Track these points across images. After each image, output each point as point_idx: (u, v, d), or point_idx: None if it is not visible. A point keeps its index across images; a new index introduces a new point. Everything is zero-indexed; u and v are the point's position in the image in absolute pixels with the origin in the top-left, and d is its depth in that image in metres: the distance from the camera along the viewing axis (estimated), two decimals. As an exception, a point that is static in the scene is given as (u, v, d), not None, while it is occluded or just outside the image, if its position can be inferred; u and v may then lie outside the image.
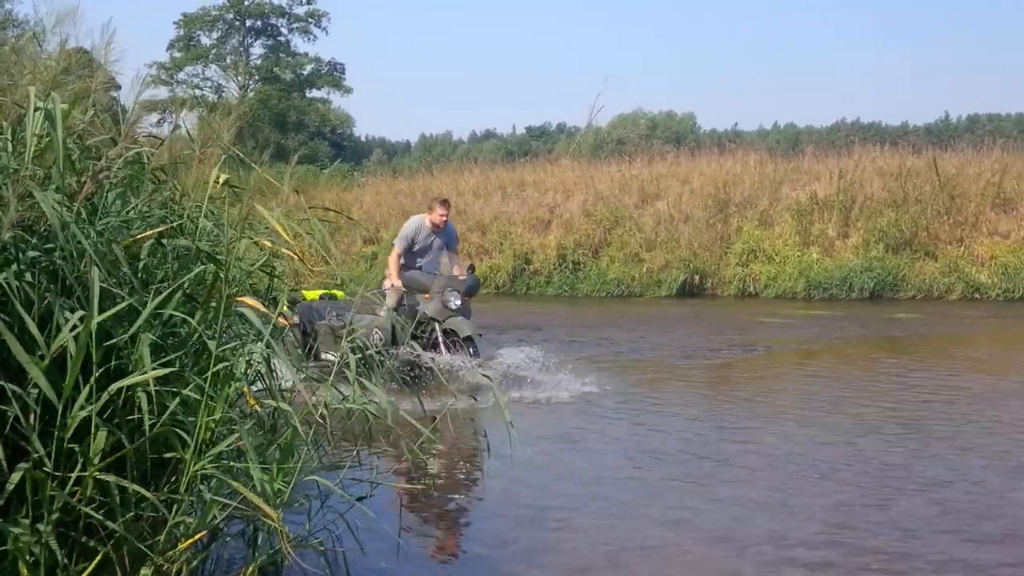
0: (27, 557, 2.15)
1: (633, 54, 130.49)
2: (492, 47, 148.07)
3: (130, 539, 2.25)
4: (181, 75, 38.44)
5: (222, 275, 2.50)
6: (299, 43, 39.78)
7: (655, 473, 4.83)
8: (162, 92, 35.95)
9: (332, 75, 39.34)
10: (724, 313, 13.11)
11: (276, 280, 3.15)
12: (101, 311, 2.22)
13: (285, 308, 7.58)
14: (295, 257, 2.95)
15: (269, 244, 2.80)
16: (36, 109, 2.43)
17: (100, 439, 2.16)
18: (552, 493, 4.51)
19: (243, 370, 2.48)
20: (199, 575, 2.78)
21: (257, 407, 2.64)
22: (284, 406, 2.59)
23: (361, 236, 18.23)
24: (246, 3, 38.33)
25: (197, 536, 2.39)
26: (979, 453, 5.09)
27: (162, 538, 2.33)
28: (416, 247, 7.44)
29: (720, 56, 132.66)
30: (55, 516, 2.19)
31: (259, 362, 2.59)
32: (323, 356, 6.56)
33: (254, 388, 2.82)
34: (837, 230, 15.22)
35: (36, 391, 2.13)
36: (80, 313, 2.14)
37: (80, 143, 2.86)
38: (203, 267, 2.61)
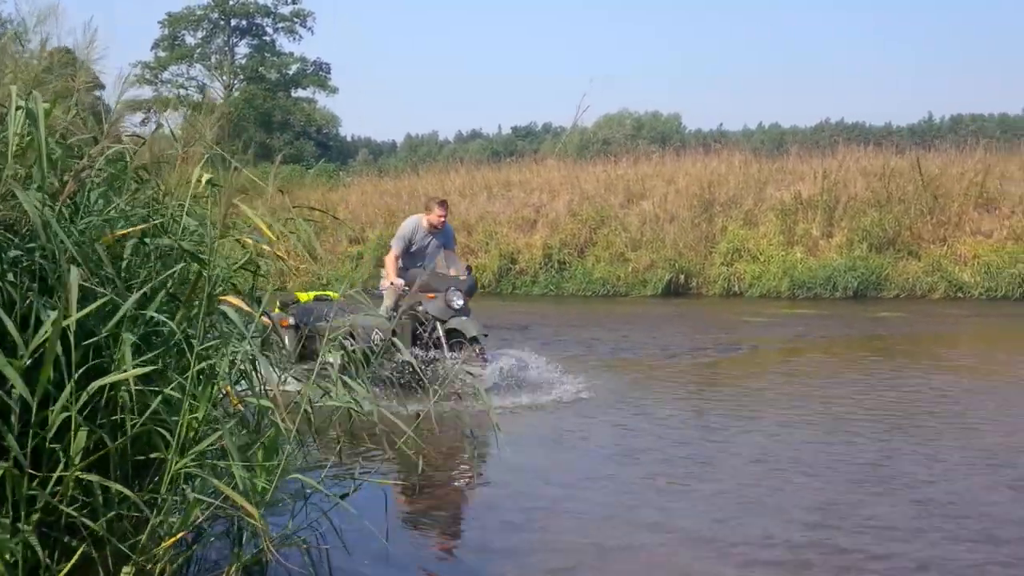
0: (7, 557, 2.14)
1: (619, 55, 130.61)
2: (478, 47, 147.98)
3: (111, 539, 2.24)
4: (166, 74, 38.26)
5: (205, 274, 2.49)
6: (284, 43, 39.69)
7: (636, 473, 4.84)
8: (147, 92, 35.75)
9: (317, 75, 39.24)
10: (709, 312, 13.18)
11: (260, 279, 3.14)
12: (82, 310, 2.21)
13: (277, 310, 7.44)
14: (277, 256, 2.95)
15: (251, 242, 2.79)
16: (17, 108, 2.42)
17: (80, 439, 2.15)
18: (535, 494, 4.52)
19: (226, 369, 2.48)
20: (183, 575, 2.78)
21: (240, 406, 2.64)
22: (266, 402, 2.59)
23: (347, 236, 18.20)
24: (231, 3, 38.17)
25: (178, 535, 2.38)
26: (959, 452, 5.13)
27: (144, 538, 2.32)
28: (413, 248, 7.34)
29: (706, 57, 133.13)
30: (36, 516, 2.19)
31: (243, 361, 2.58)
32: (323, 356, 6.49)
33: (240, 388, 2.82)
34: (821, 230, 15.33)
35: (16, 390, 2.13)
36: (55, 313, 2.13)
37: (62, 142, 2.85)
38: (185, 265, 2.60)
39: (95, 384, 2.18)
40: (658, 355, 9.16)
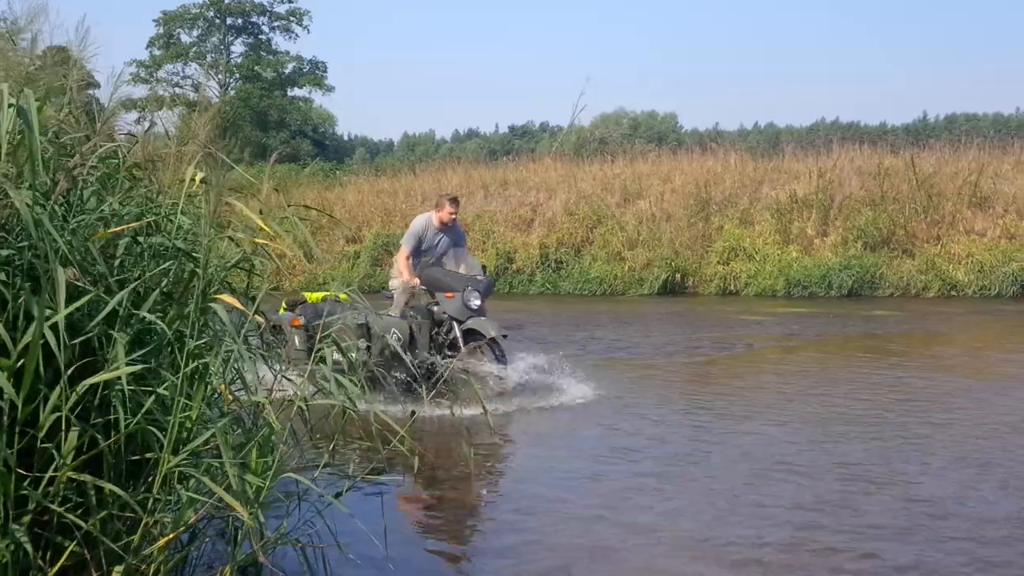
0: None
1: (616, 54, 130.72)
2: (476, 46, 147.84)
3: (103, 539, 2.24)
4: (161, 73, 38.12)
5: (199, 272, 2.49)
6: (280, 41, 39.60)
7: (629, 473, 4.82)
8: (142, 90, 35.68)
9: (314, 74, 39.14)
10: (705, 311, 13.19)
11: (255, 278, 3.14)
12: (75, 309, 2.21)
13: (283, 310, 7.28)
14: (272, 254, 2.95)
15: (243, 236, 2.78)
16: (9, 106, 2.41)
17: (72, 438, 2.15)
18: (529, 494, 4.52)
19: (218, 367, 2.47)
20: (179, 575, 2.78)
21: (235, 404, 2.63)
22: (259, 398, 2.58)
23: (344, 235, 18.17)
24: (226, 1, 38.08)
25: (172, 535, 2.37)
26: (949, 451, 5.14)
27: (136, 538, 2.32)
28: (424, 246, 7.13)
29: (702, 56, 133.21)
30: (28, 516, 2.18)
31: (236, 360, 2.57)
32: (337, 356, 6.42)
33: (237, 388, 2.82)
34: (816, 229, 15.35)
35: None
36: (47, 310, 2.12)
37: (55, 141, 2.84)
38: (177, 264, 2.59)
39: (85, 383, 2.17)
40: (654, 354, 9.16)
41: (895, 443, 5.36)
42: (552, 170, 18.82)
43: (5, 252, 2.36)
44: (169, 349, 2.56)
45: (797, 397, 6.83)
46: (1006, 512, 4.05)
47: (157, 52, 38.26)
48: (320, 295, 7.50)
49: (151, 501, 2.38)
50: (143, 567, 2.44)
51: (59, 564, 2.20)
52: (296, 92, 39.89)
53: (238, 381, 2.86)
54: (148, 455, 2.47)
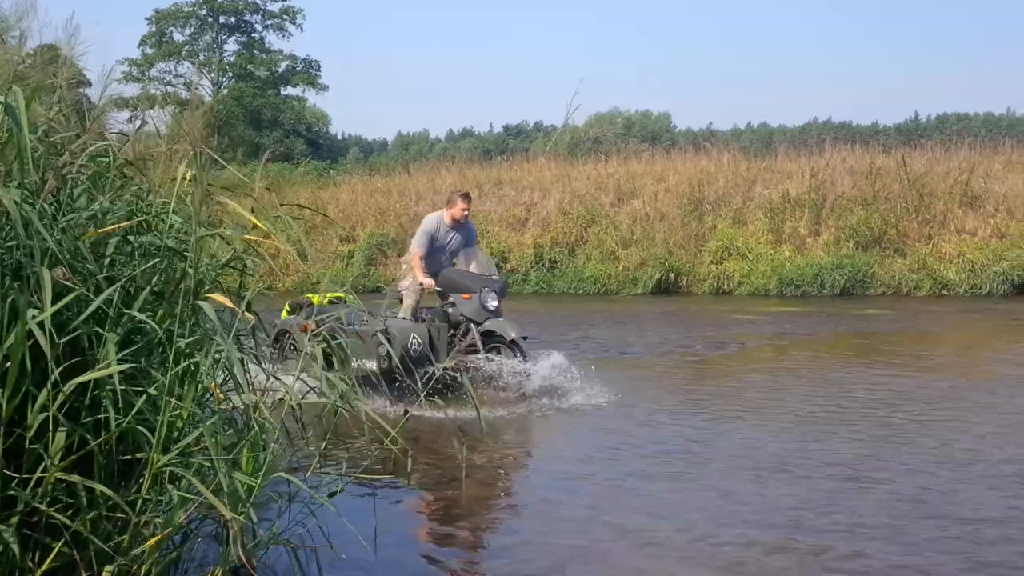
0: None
1: (610, 54, 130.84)
2: (470, 46, 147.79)
3: (92, 539, 2.23)
4: (153, 72, 37.96)
5: (190, 271, 2.48)
6: (273, 40, 39.48)
7: (619, 473, 4.82)
8: (133, 89, 35.55)
9: (307, 72, 39.03)
10: (699, 310, 13.21)
11: (248, 278, 3.13)
12: (64, 308, 2.20)
13: (286, 313, 6.99)
14: (263, 254, 2.94)
15: (234, 235, 2.78)
16: (-3, 103, 2.40)
17: (60, 439, 2.14)
18: (521, 494, 4.53)
19: (208, 366, 2.46)
20: (171, 575, 2.77)
21: (225, 403, 2.62)
22: (251, 398, 2.57)
23: (337, 235, 18.14)
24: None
25: (162, 535, 2.37)
26: (938, 451, 5.13)
27: (126, 538, 2.31)
28: (436, 245, 6.92)
29: (696, 56, 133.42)
30: (16, 517, 2.17)
31: (226, 359, 2.56)
32: (357, 364, 6.07)
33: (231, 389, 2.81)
34: (809, 228, 15.40)
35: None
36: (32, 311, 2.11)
37: (45, 139, 2.83)
38: (166, 263, 2.59)
39: (72, 382, 2.16)
40: (647, 353, 9.18)
41: (885, 442, 5.37)
42: (546, 170, 18.85)
43: (-6, 251, 2.35)
44: (160, 349, 2.56)
45: (789, 396, 6.84)
46: (995, 512, 4.05)
47: (149, 50, 38.11)
48: (326, 296, 7.35)
49: (141, 501, 2.37)
50: (134, 568, 2.43)
51: (46, 564, 2.20)
52: (289, 91, 39.80)
53: (231, 381, 2.85)
54: (140, 455, 2.47)
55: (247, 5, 38.44)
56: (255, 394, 2.74)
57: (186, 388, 2.42)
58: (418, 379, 6.10)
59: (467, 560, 3.68)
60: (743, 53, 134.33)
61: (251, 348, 3.05)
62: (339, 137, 58.75)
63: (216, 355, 2.52)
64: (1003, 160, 16.30)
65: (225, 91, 37.52)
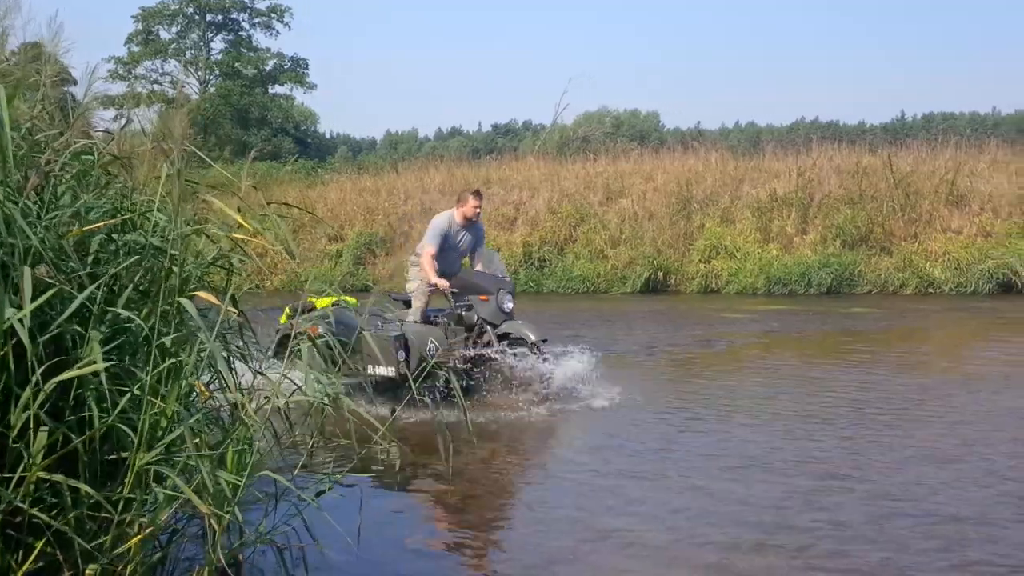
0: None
1: (598, 54, 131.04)
2: (458, 44, 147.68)
3: (74, 538, 2.22)
4: (139, 70, 37.69)
5: (173, 269, 2.47)
6: (261, 38, 39.27)
7: (604, 472, 4.83)
8: (120, 87, 35.27)
9: (295, 71, 38.84)
10: (687, 309, 13.25)
11: (234, 276, 3.11)
12: (48, 307, 2.19)
13: (285, 318, 6.78)
14: (251, 252, 2.93)
15: (219, 233, 2.76)
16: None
17: (41, 438, 2.13)
18: (507, 493, 4.54)
19: (192, 364, 2.45)
20: (157, 575, 2.76)
21: (211, 401, 2.61)
22: (235, 396, 2.57)
23: (326, 234, 18.10)
24: (206, -3, 37.73)
25: (144, 534, 2.36)
26: (922, 449, 5.15)
27: (109, 537, 2.30)
28: (447, 245, 6.75)
29: (684, 56, 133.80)
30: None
31: (211, 357, 2.55)
32: (373, 370, 6.04)
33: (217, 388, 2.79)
34: (796, 227, 15.48)
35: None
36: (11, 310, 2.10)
37: (29, 137, 2.81)
38: (149, 260, 2.57)
39: (53, 380, 2.15)
40: (635, 352, 9.20)
41: (870, 440, 5.40)
42: (535, 169, 18.85)
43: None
44: (146, 347, 2.55)
45: (776, 395, 6.87)
46: (978, 511, 4.06)
47: (136, 49, 37.85)
48: (329, 299, 7.17)
49: (124, 500, 2.36)
50: (119, 567, 2.42)
51: (27, 564, 2.18)
52: (277, 89, 39.63)
53: (218, 379, 2.84)
54: (125, 455, 2.46)
55: (234, 3, 38.22)
56: (241, 392, 2.73)
57: (170, 386, 2.41)
58: (439, 383, 6.06)
59: (453, 559, 3.69)
60: (733, 53, 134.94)
61: (238, 346, 3.03)
62: (327, 136, 58.57)
63: (201, 353, 2.51)
64: (988, 159, 16.41)
65: (212, 89, 37.33)
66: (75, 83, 3.76)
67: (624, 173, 17.69)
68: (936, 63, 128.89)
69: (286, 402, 2.95)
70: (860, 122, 52.06)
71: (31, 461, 2.15)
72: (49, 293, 2.19)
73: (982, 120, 56.17)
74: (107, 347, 2.39)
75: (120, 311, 2.37)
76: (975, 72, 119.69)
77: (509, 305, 6.53)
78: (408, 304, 6.93)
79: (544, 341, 6.49)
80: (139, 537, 2.30)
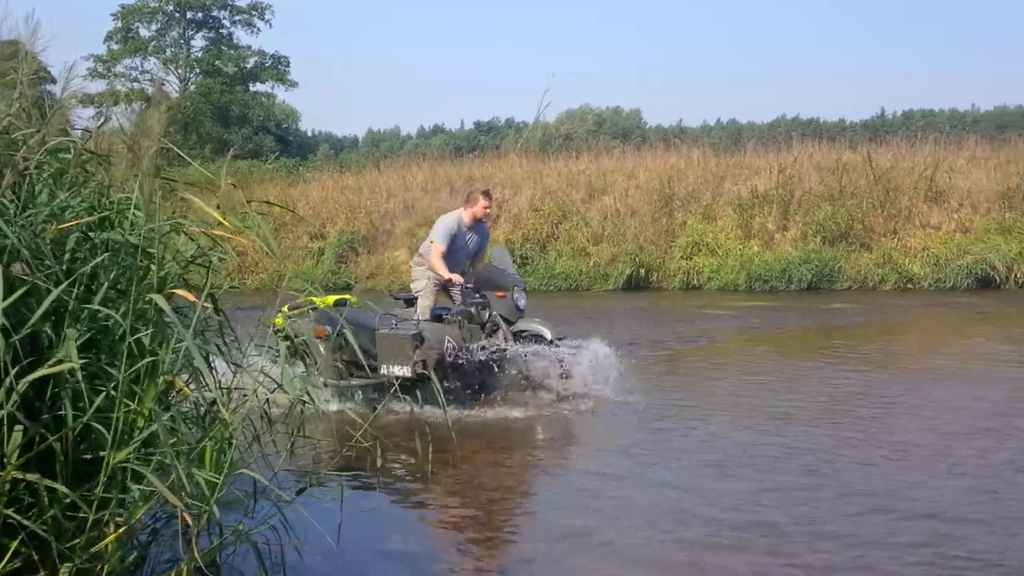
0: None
1: (581, 51, 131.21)
2: (440, 42, 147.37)
3: (46, 537, 2.21)
4: (119, 68, 37.33)
5: (152, 267, 2.46)
6: (242, 36, 38.99)
7: (582, 469, 4.86)
8: (99, 85, 34.90)
9: (276, 69, 38.59)
10: (669, 306, 13.32)
11: (215, 274, 3.10)
12: (24, 307, 2.18)
13: (280, 319, 6.57)
14: (231, 251, 2.92)
15: (198, 230, 2.75)
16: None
17: (16, 437, 2.11)
18: (487, 489, 4.55)
19: (169, 362, 2.45)
20: (137, 574, 2.75)
21: (191, 398, 2.61)
22: (212, 394, 2.56)
23: (307, 232, 18.03)
24: (186, -5, 37.41)
25: (118, 532, 2.35)
26: (900, 447, 5.17)
27: (83, 537, 2.29)
28: (456, 246, 6.66)
29: (667, 53, 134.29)
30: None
31: (191, 356, 2.54)
32: (388, 370, 5.93)
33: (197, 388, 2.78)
34: (777, 224, 15.58)
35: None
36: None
37: (5, 135, 2.79)
38: (122, 257, 2.56)
39: (25, 379, 2.14)
40: (616, 349, 9.20)
41: (849, 437, 5.40)
42: (517, 166, 18.86)
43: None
44: (124, 346, 2.53)
45: (756, 391, 6.91)
46: (955, 508, 4.07)
47: (115, 46, 37.48)
48: (331, 299, 6.76)
49: (100, 499, 2.35)
50: (98, 567, 2.41)
51: (2, 564, 2.17)
52: (258, 87, 39.39)
53: (197, 377, 2.83)
54: (104, 454, 2.45)
55: (214, 0, 37.96)
56: (221, 391, 2.73)
57: (146, 384, 2.40)
58: (456, 382, 5.98)
59: (431, 559, 3.68)
60: (713, 51, 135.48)
61: (217, 344, 3.02)
62: (309, 134, 58.33)
63: (177, 351, 2.50)
64: (967, 156, 16.57)
65: (192, 87, 37.05)
66: (54, 81, 3.73)
67: (606, 170, 17.74)
68: (917, 62, 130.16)
69: (267, 400, 2.95)
70: (840, 119, 52.37)
71: (6, 460, 2.14)
72: (22, 291, 2.18)
73: (961, 117, 56.69)
74: (85, 346, 2.39)
75: (98, 308, 2.36)
76: (955, 69, 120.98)
77: (523, 302, 6.49)
78: (409, 303, 6.86)
79: (561, 339, 6.44)
80: (113, 536, 2.29)
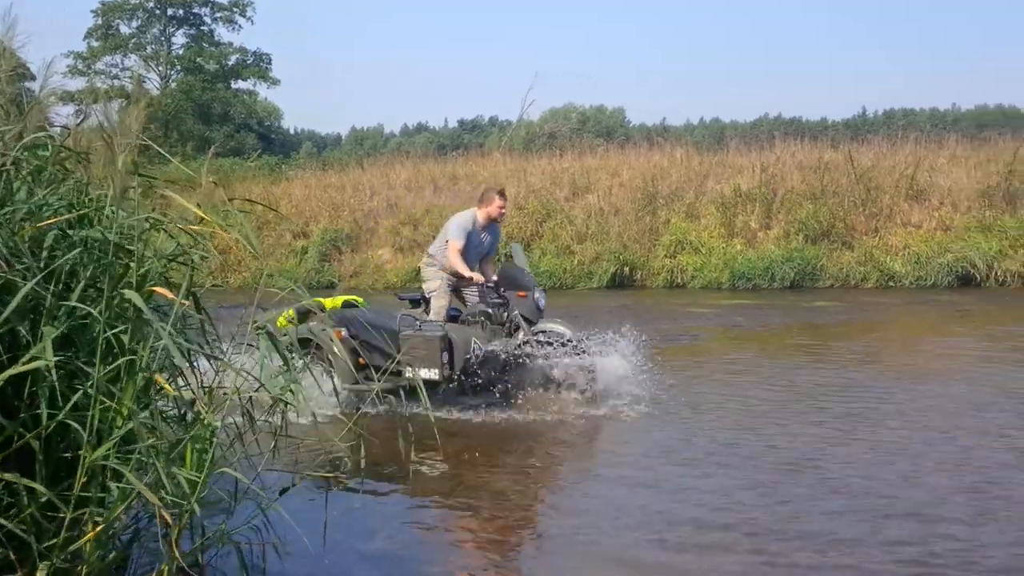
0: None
1: (565, 50, 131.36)
2: (424, 40, 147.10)
3: (21, 535, 2.18)
4: (99, 65, 37.00)
5: (131, 265, 2.44)
6: (223, 32, 38.76)
7: (557, 469, 4.87)
8: (79, 83, 34.56)
9: (258, 66, 38.37)
10: (653, 304, 13.36)
11: (196, 273, 3.07)
12: (4, 304, 2.15)
13: (285, 322, 6.42)
14: (213, 249, 2.90)
15: (178, 227, 2.72)
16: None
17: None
18: (471, 488, 4.54)
19: (147, 359, 2.42)
20: (121, 574, 2.72)
21: (174, 397, 2.58)
22: (192, 393, 2.54)
23: (290, 231, 17.94)
24: (167, -9, 37.12)
25: (96, 531, 2.32)
26: (881, 444, 5.19)
27: (61, 536, 2.26)
28: (470, 245, 6.53)
29: (651, 52, 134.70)
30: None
31: (171, 354, 2.51)
32: (414, 373, 5.79)
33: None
34: (759, 222, 15.66)
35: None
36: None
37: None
38: (95, 254, 2.53)
39: (2, 375, 2.11)
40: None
41: (829, 435, 5.43)
42: (501, 164, 18.88)
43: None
44: (105, 344, 2.50)
45: (738, 389, 6.93)
46: (936, 506, 4.10)
47: (95, 44, 37.13)
48: (339, 300, 6.77)
49: (78, 498, 2.32)
50: (78, 567, 2.38)
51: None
52: (240, 85, 39.15)
53: (179, 376, 2.80)
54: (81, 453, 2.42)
55: (196, -3, 37.67)
56: (203, 389, 2.70)
57: (125, 382, 2.37)
58: (481, 382, 5.89)
59: (412, 558, 3.66)
60: (696, 50, 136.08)
61: (199, 343, 2.99)
62: (291, 132, 58.04)
63: (155, 348, 2.47)
64: (947, 154, 16.72)
65: (173, 85, 36.76)
66: (33, 79, 3.68)
67: (590, 169, 17.77)
68: (898, 62, 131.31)
69: (250, 398, 2.92)
70: (822, 118, 52.72)
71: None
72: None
73: (942, 116, 57.17)
74: (64, 344, 2.36)
75: (75, 304, 2.33)
76: (936, 69, 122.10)
77: (543, 303, 6.43)
78: (415, 303, 6.78)
79: (581, 340, 6.35)
80: (91, 535, 2.26)
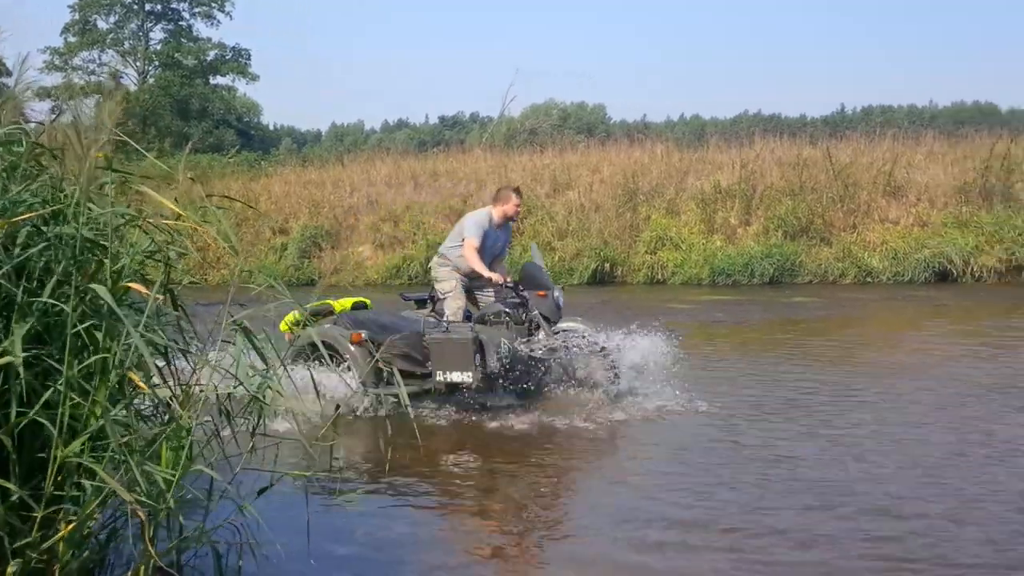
0: None
1: (546, 47, 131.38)
2: (405, 36, 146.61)
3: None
4: (76, 61, 36.58)
5: (106, 261, 2.41)
6: (202, 28, 38.41)
7: (535, 467, 4.86)
8: (56, 78, 34.18)
9: (237, 61, 38.06)
10: (634, 300, 13.39)
11: (173, 270, 3.04)
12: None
13: (289, 325, 6.19)
14: (190, 246, 2.88)
15: (154, 223, 2.70)
16: None
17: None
18: (452, 488, 4.54)
19: (119, 356, 2.40)
20: (97, 574, 2.70)
21: (150, 395, 2.56)
22: (167, 390, 2.52)
23: (269, 227, 17.82)
24: (145, -15, 36.73)
25: (68, 528, 2.30)
26: (850, 441, 5.20)
27: (33, 534, 2.24)
28: (486, 244, 6.42)
29: (631, 49, 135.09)
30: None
31: (146, 351, 2.49)
32: (444, 376, 5.75)
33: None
34: (739, 218, 15.75)
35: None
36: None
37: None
38: (65, 250, 2.50)
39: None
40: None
41: (805, 431, 5.45)
42: (482, 161, 18.84)
43: None
44: (78, 341, 2.48)
45: (717, 385, 6.93)
46: (912, 503, 4.12)
47: (72, 39, 36.69)
48: (348, 301, 6.65)
49: (49, 496, 2.30)
50: (53, 566, 2.36)
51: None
52: (219, 80, 38.82)
53: (155, 374, 2.78)
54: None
55: (173, -9, 37.31)
56: (179, 386, 2.68)
57: (98, 379, 2.35)
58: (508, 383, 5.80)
59: (392, 558, 3.65)
60: (676, 47, 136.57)
61: (175, 340, 2.97)
62: (271, 128, 57.66)
63: (127, 346, 2.45)
64: (925, 151, 16.89)
65: (151, 80, 36.40)
66: (9, 74, 3.63)
67: (571, 165, 17.78)
68: (876, 60, 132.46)
69: (228, 395, 2.90)
70: (801, 115, 53.14)
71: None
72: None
73: (919, 113, 57.65)
74: (37, 341, 2.33)
75: (45, 301, 2.31)
76: (913, 67, 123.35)
77: (562, 301, 6.37)
78: (420, 304, 6.72)
79: (606, 341, 6.30)
80: (63, 533, 2.24)
